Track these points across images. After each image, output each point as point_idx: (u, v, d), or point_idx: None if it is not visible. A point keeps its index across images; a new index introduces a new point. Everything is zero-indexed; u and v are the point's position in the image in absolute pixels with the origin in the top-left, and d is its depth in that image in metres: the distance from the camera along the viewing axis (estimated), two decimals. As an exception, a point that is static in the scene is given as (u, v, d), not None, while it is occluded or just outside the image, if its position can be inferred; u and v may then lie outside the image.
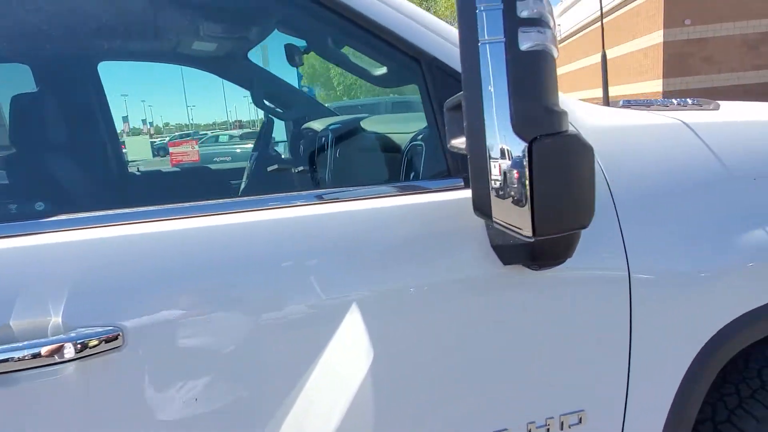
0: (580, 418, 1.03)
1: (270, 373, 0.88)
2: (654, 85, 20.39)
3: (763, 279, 1.11)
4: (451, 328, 0.97)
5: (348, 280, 0.91)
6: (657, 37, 19.90)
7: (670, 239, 1.07)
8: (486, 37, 0.57)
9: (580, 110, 1.12)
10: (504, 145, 0.57)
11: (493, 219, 0.62)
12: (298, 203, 0.94)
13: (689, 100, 1.59)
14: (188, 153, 2.57)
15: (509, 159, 0.57)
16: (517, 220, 0.59)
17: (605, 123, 1.13)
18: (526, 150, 0.56)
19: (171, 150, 2.55)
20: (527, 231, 0.59)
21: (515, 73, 0.57)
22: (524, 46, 0.57)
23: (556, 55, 0.62)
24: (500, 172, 0.58)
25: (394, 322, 0.94)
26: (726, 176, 1.13)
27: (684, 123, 1.16)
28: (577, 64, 29.43)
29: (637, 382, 1.06)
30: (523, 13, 0.58)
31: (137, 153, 2.48)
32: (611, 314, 1.03)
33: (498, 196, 0.59)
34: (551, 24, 0.61)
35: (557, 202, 0.60)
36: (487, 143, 0.58)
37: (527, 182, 0.57)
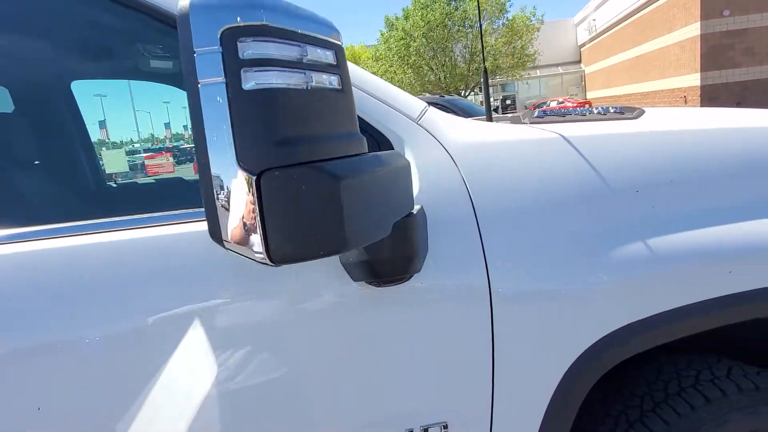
0: (443, 429, 1.03)
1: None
2: (691, 80, 19.73)
3: (637, 294, 1.09)
4: (308, 344, 0.99)
5: (196, 297, 0.95)
6: (694, 29, 19.25)
7: (535, 255, 1.06)
8: (207, 79, 0.60)
9: (450, 128, 1.13)
10: (233, 178, 0.60)
11: (226, 246, 0.64)
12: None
13: (611, 109, 1.56)
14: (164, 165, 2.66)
15: (240, 191, 0.60)
16: (253, 248, 0.61)
17: (474, 139, 1.13)
18: (254, 182, 0.59)
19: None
20: (263, 257, 0.62)
21: (239, 111, 0.60)
22: (247, 85, 0.60)
23: (298, 85, 0.64)
24: (230, 202, 0.61)
25: (245, 339, 0.97)
26: (602, 190, 1.11)
27: (562, 137, 1.15)
28: (613, 59, 28.73)
29: (503, 396, 1.06)
30: (246, 54, 0.61)
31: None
32: (472, 329, 1.03)
33: (233, 225, 0.62)
34: (286, 59, 0.63)
35: (294, 231, 0.62)
36: (217, 176, 0.61)
37: (257, 213, 0.60)
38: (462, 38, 25.37)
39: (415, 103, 1.15)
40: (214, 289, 0.96)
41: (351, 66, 1.12)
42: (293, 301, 0.99)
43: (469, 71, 25.79)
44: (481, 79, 1.24)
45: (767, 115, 1.42)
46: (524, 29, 26.10)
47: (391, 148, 1.08)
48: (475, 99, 38.72)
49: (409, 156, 1.07)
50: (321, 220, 0.63)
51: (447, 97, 8.22)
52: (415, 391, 1.04)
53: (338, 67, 0.74)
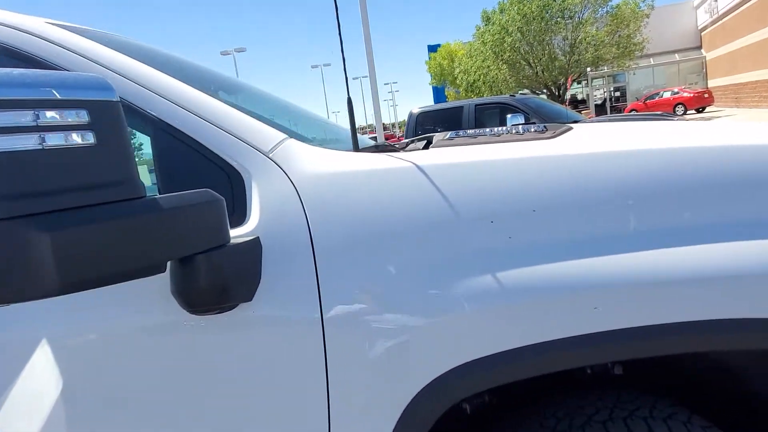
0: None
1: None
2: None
3: (479, 330, 1.05)
4: (138, 370, 1.05)
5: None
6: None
7: (371, 286, 1.05)
8: None
9: (304, 160, 1.15)
10: None
11: None
12: None
13: (533, 128, 1.49)
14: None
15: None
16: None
17: (321, 171, 1.13)
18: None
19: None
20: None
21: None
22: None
23: (30, 147, 0.72)
24: None
25: (71, 365, 1.07)
26: (450, 220, 1.08)
27: (416, 166, 1.12)
28: (737, 43, 25.96)
29: (340, 426, 1.07)
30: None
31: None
32: (305, 359, 1.04)
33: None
34: (15, 125, 0.72)
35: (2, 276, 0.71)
36: None
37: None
38: (561, 30, 24.26)
39: (268, 135, 1.19)
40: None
41: (203, 98, 1.19)
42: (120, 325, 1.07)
43: (569, 63, 24.60)
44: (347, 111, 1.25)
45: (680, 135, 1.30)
46: (632, 17, 24.38)
47: (241, 180, 1.13)
48: (579, 91, 36.81)
49: (255, 189, 1.12)
50: (18, 266, 0.72)
51: (519, 96, 7.95)
52: (251, 418, 1.09)
53: (93, 124, 0.81)
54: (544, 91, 26.30)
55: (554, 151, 1.19)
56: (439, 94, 45.91)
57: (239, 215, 1.11)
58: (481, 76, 27.29)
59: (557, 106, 8.42)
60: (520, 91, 21.57)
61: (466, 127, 7.85)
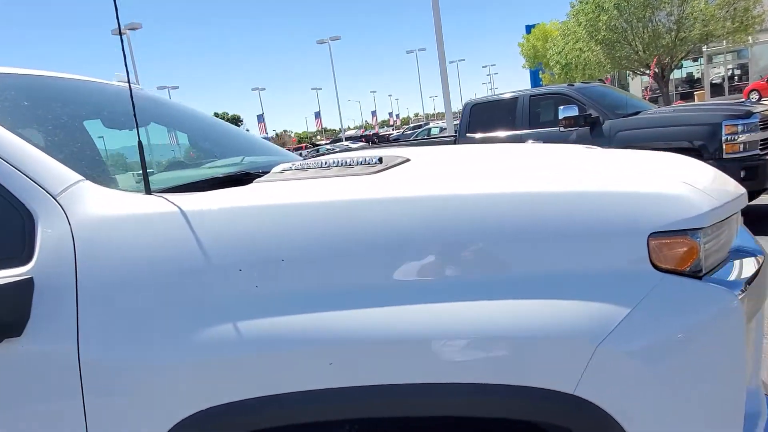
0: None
1: None
2: None
3: (221, 378, 1.05)
4: None
5: None
6: None
7: (126, 329, 1.09)
8: None
9: (91, 202, 1.18)
10: None
11: None
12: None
13: (367, 159, 1.42)
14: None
15: None
16: None
17: (101, 213, 1.14)
18: None
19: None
20: None
21: None
22: None
23: None
24: None
25: None
26: (202, 266, 1.08)
27: (181, 211, 1.12)
28: None
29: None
30: None
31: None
32: (64, 395, 1.09)
33: None
34: None
35: None
36: None
37: None
38: (665, 5, 22.20)
39: (61, 177, 1.24)
40: None
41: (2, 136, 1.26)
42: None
43: (675, 42, 22.50)
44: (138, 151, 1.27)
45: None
46: (751, -14, 21.78)
47: (31, 221, 1.21)
48: (697, 69, 33.62)
49: (40, 230, 1.19)
50: None
51: (579, 85, 7.43)
52: None
53: None
54: (647, 72, 24.32)
55: (323, 197, 1.15)
56: (535, 78, 44.00)
57: (27, 255, 1.19)
58: (574, 59, 25.75)
59: (623, 95, 7.77)
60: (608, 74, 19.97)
61: (520, 119, 7.51)
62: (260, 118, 66.22)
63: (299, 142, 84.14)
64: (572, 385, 0.97)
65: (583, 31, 24.18)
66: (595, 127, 6.61)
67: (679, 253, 1.02)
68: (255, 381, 1.06)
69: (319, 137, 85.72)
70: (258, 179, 1.40)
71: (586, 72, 25.17)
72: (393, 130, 68.85)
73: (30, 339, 1.13)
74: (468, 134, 7.89)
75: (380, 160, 1.40)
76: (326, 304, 1.04)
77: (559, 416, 0.98)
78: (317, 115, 73.82)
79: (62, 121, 1.69)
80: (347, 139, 52.26)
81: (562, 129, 6.76)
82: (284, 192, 1.21)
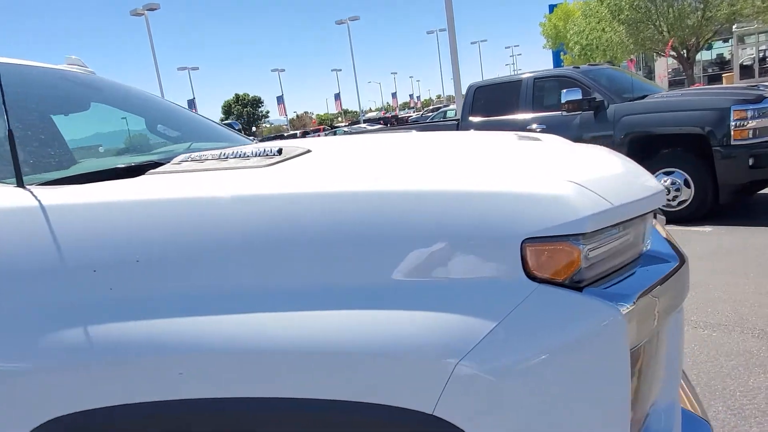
0: None
1: None
2: None
3: (76, 383, 1.00)
4: None
5: None
6: None
7: None
8: None
9: None
10: None
11: None
12: None
13: (266, 150, 1.33)
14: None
15: None
16: None
17: None
18: None
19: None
20: None
21: None
22: None
23: None
24: None
25: None
26: (56, 266, 1.01)
27: (41, 206, 1.05)
28: None
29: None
30: None
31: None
32: None
33: None
34: None
35: None
36: None
37: None
38: (692, -17, 21.40)
39: None
40: None
41: None
42: None
43: (701, 21, 21.70)
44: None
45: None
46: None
47: None
48: (727, 50, 32.50)
49: None
50: None
51: (586, 67, 7.16)
52: None
53: None
54: (672, 53, 23.53)
55: (188, 193, 1.07)
56: (557, 59, 43.00)
57: None
58: (595, 39, 24.99)
59: (632, 78, 7.47)
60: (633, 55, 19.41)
61: (524, 102, 7.29)
62: (279, 100, 66.31)
63: (320, 123, 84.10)
64: (431, 405, 0.88)
65: (606, 11, 23.45)
66: (599, 111, 6.40)
67: (556, 262, 0.92)
68: (105, 389, 0.99)
69: (339, 119, 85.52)
70: (151, 171, 1.33)
71: (607, 53, 24.44)
72: (414, 112, 68.29)
73: None
74: (471, 118, 7.72)
75: (280, 151, 1.32)
76: (180, 309, 0.97)
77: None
78: (337, 96, 73.63)
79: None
80: (365, 121, 52.08)
81: (564, 113, 6.56)
82: (156, 187, 1.14)
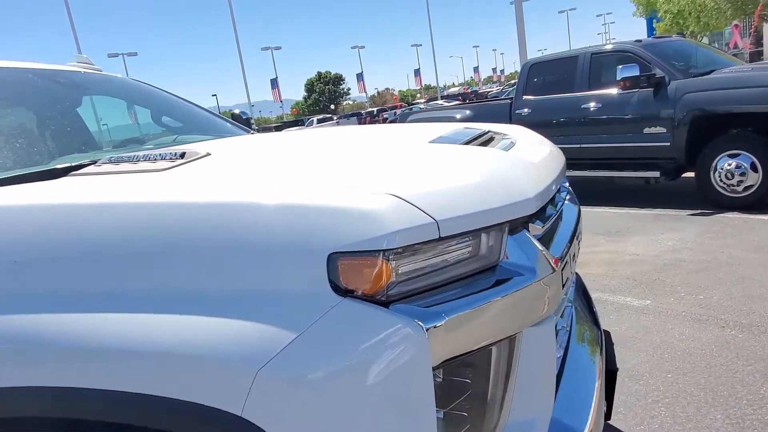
0: None
1: None
2: None
3: None
4: None
5: None
6: None
7: None
8: None
9: None
10: None
11: None
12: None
13: (165, 154, 1.40)
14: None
15: None
16: None
17: None
18: None
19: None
20: None
21: None
22: None
23: None
24: None
25: None
26: None
27: None
28: None
29: None
30: None
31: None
32: None
33: None
34: None
35: None
36: None
37: None
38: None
39: None
40: None
41: None
42: None
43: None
44: None
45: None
46: None
47: None
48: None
49: None
50: None
51: (648, 39, 6.61)
52: None
53: None
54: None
55: (55, 199, 1.17)
56: (650, 27, 39.93)
57: None
58: (687, 5, 22.88)
59: (706, 51, 6.82)
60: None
61: (580, 80, 6.89)
62: (359, 77, 66.83)
63: (401, 100, 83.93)
64: (239, 407, 0.93)
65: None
66: (659, 88, 5.94)
67: (363, 276, 0.93)
68: None
69: (419, 96, 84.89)
70: (73, 173, 1.45)
71: (701, 20, 22.35)
72: (497, 86, 66.42)
73: None
74: (524, 97, 7.44)
75: (182, 155, 1.39)
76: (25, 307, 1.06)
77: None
78: (416, 72, 73.06)
79: None
80: (443, 97, 51.34)
81: (620, 91, 6.16)
82: (57, 190, 1.24)
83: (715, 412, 2.44)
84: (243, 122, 3.27)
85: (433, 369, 0.94)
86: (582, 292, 2.08)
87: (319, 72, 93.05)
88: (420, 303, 0.96)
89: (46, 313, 1.02)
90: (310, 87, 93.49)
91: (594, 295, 3.99)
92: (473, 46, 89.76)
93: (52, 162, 1.74)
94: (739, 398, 2.51)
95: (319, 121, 40.28)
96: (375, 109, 44.74)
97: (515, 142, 1.66)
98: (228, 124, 2.90)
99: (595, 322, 1.83)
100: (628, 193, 7.23)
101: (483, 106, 8.41)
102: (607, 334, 1.84)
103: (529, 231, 1.16)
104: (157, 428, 0.99)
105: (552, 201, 1.41)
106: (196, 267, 0.98)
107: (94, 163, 1.51)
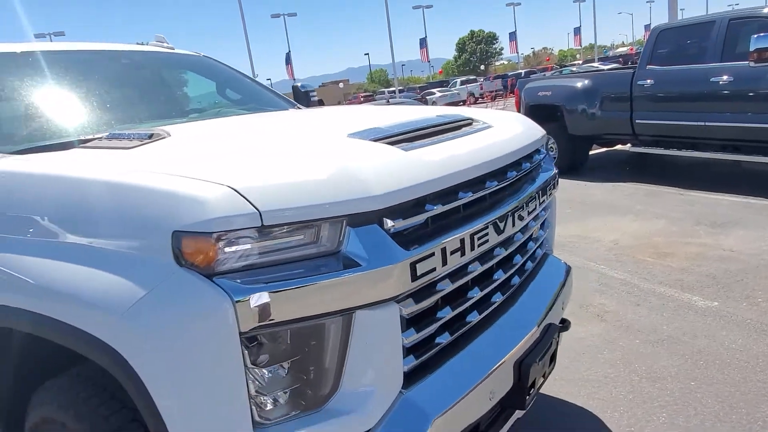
0: None
1: None
2: None
3: None
4: None
5: None
6: None
7: None
8: None
9: None
10: None
11: None
12: None
13: (132, 135, 1.69)
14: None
15: None
16: None
17: None
18: None
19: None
20: None
21: None
22: None
23: None
24: None
25: None
26: None
27: None
28: None
29: None
30: None
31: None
32: None
33: None
34: None
35: None
36: None
37: None
38: None
39: None
40: None
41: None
42: None
43: None
44: None
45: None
46: None
47: None
48: None
49: None
50: None
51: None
52: None
53: None
54: None
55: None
56: None
57: None
58: None
59: None
60: None
61: (712, 50, 6.05)
62: (512, 36, 64.04)
63: (560, 60, 78.81)
64: (110, 337, 1.22)
65: None
66: (804, 62, 5.10)
67: (197, 252, 1.13)
68: None
69: (579, 56, 79.02)
70: (82, 145, 1.84)
71: None
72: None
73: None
74: (649, 66, 6.78)
75: (150, 136, 1.69)
76: None
77: (102, 357, 1.24)
78: (576, 31, 67.92)
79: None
80: (601, 59, 47.34)
81: (752, 64, 5.39)
82: (56, 161, 1.62)
83: (721, 426, 2.27)
84: (302, 95, 3.57)
85: (246, 331, 1.14)
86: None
87: (472, 30, 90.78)
88: (242, 278, 1.15)
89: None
90: (461, 46, 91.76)
91: (658, 290, 3.75)
92: (647, 2, 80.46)
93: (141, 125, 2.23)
94: (755, 418, 2.30)
95: (462, 83, 39.75)
96: (523, 71, 42.63)
97: (467, 135, 1.73)
98: (277, 98, 3.22)
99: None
100: (756, 180, 6.37)
101: (603, 76, 7.79)
102: (553, 327, 1.86)
103: (383, 225, 1.28)
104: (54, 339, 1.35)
105: (454, 194, 1.48)
106: (88, 230, 1.28)
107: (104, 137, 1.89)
